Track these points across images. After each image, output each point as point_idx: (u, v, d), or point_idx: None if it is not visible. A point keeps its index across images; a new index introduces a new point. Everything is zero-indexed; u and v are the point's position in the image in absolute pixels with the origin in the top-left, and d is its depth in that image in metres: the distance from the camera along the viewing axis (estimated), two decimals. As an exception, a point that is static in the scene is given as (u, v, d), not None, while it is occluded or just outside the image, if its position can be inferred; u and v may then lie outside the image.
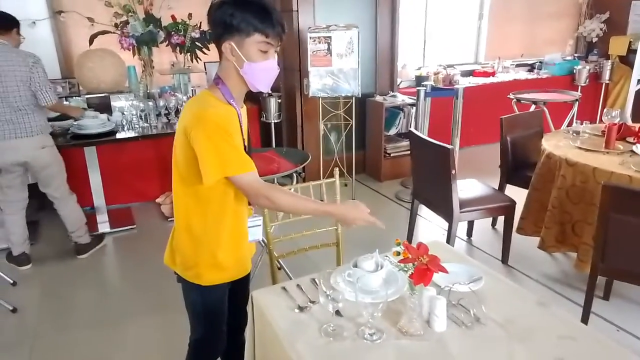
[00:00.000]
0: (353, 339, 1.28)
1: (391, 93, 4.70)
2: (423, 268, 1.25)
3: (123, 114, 3.73)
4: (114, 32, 4.03)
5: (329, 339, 1.29)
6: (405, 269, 1.30)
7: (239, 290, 1.68)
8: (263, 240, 2.25)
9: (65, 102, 3.81)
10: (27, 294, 2.94)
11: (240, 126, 1.49)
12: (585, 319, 2.33)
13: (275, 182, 3.03)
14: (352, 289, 1.39)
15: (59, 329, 2.60)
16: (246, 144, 1.54)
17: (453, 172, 2.68)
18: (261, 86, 1.48)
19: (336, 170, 2.11)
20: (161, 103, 3.76)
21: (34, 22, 3.95)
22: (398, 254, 1.32)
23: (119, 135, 3.57)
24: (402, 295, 1.40)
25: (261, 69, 1.43)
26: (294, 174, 3.03)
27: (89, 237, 3.35)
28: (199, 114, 1.40)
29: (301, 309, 1.41)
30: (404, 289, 1.42)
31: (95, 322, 2.65)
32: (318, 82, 3.99)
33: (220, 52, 1.43)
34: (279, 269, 2.52)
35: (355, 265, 1.45)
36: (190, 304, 1.64)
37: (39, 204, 3.99)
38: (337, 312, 1.35)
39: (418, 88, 4.08)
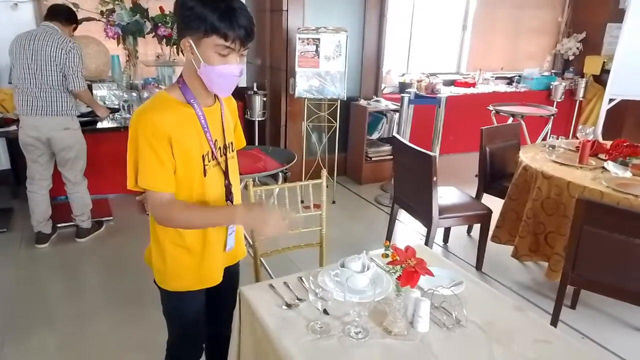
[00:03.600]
0: (339, 337, 1.32)
1: (375, 98, 4.76)
2: (411, 270, 1.30)
3: (104, 103, 3.68)
4: (99, 20, 3.97)
5: (316, 336, 1.32)
6: (393, 270, 1.34)
7: (216, 298, 1.62)
8: (247, 239, 2.26)
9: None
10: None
11: (204, 126, 1.38)
12: (554, 326, 2.42)
13: (257, 181, 3.04)
14: (339, 288, 1.43)
15: (30, 320, 2.55)
16: (221, 144, 1.44)
17: (434, 178, 2.75)
18: (219, 91, 1.36)
19: (324, 171, 2.14)
20: (145, 94, 3.73)
21: (16, 4, 3.85)
22: (387, 256, 1.36)
23: (100, 125, 3.52)
24: (387, 296, 1.45)
25: (218, 74, 1.28)
26: (280, 174, 3.04)
27: (90, 223, 3.44)
28: (134, 116, 1.33)
29: (289, 306, 1.43)
30: (389, 289, 1.46)
31: (66, 315, 2.60)
32: (305, 83, 4.01)
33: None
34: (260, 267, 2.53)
35: (343, 266, 1.49)
36: (163, 306, 1.59)
37: (12, 192, 3.90)
38: (324, 311, 1.39)
39: (402, 95, 4.15)
